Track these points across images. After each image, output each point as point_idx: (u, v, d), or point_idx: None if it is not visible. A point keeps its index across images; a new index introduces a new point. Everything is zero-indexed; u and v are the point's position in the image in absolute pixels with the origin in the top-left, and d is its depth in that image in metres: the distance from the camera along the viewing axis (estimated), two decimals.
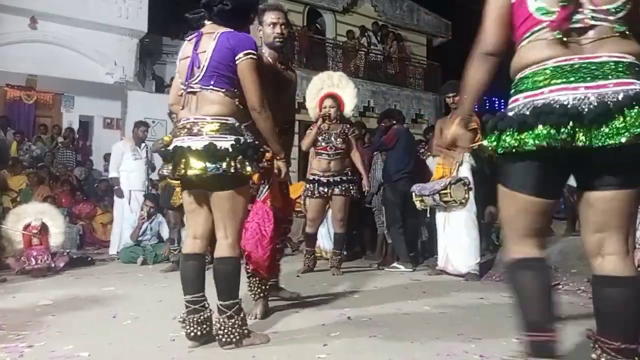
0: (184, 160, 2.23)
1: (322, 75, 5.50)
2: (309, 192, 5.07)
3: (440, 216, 4.92)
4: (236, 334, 2.29)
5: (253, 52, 2.34)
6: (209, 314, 2.37)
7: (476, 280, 4.58)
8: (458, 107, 1.92)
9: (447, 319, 2.96)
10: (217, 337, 2.31)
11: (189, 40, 2.43)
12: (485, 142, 1.62)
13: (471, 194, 4.65)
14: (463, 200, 4.63)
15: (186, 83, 2.36)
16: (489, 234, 5.72)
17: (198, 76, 2.32)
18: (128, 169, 6.76)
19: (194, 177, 2.25)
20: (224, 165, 2.20)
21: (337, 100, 5.04)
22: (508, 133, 1.54)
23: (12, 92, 11.00)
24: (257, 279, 3.05)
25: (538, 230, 1.65)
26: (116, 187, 6.81)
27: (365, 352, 2.27)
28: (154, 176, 7.56)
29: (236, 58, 2.30)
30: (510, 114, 1.58)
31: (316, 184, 4.99)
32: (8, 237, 5.27)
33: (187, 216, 2.54)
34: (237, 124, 2.33)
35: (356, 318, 2.93)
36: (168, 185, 5.57)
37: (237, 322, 2.29)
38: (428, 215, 5.86)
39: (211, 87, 2.32)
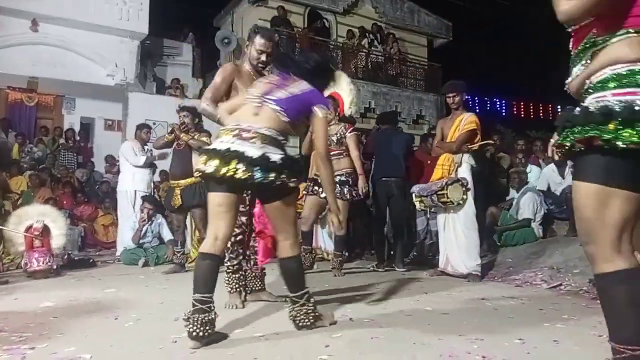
0: (234, 162, 2.37)
1: None
2: (307, 189, 5.11)
3: (440, 217, 4.91)
4: (311, 317, 2.61)
5: (327, 109, 2.70)
6: (214, 316, 2.38)
7: (478, 281, 4.58)
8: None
9: (450, 320, 2.95)
10: (294, 323, 2.61)
11: (279, 76, 2.72)
12: (607, 136, 1.46)
13: (470, 194, 4.63)
14: (461, 202, 4.59)
15: (261, 95, 2.60)
16: (491, 235, 5.71)
17: (277, 97, 2.58)
18: (133, 170, 6.79)
19: (239, 181, 2.39)
20: (272, 176, 2.40)
21: (334, 101, 5.03)
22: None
23: (14, 95, 11.05)
24: (237, 276, 3.30)
25: (631, 234, 1.56)
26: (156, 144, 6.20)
27: (367, 353, 2.27)
28: (156, 178, 7.57)
29: (314, 107, 2.63)
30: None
31: (312, 182, 5.02)
32: (10, 239, 5.28)
33: (210, 217, 2.60)
34: (284, 140, 2.57)
35: (358, 319, 2.92)
36: (170, 187, 5.60)
37: (309, 308, 2.62)
38: (428, 217, 5.89)
39: (280, 108, 2.56)
